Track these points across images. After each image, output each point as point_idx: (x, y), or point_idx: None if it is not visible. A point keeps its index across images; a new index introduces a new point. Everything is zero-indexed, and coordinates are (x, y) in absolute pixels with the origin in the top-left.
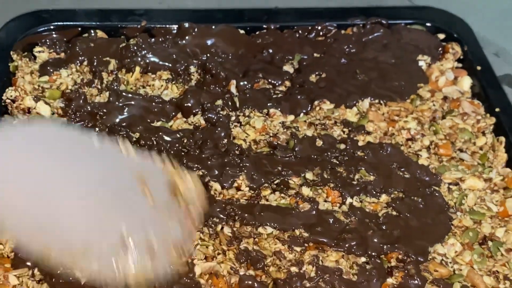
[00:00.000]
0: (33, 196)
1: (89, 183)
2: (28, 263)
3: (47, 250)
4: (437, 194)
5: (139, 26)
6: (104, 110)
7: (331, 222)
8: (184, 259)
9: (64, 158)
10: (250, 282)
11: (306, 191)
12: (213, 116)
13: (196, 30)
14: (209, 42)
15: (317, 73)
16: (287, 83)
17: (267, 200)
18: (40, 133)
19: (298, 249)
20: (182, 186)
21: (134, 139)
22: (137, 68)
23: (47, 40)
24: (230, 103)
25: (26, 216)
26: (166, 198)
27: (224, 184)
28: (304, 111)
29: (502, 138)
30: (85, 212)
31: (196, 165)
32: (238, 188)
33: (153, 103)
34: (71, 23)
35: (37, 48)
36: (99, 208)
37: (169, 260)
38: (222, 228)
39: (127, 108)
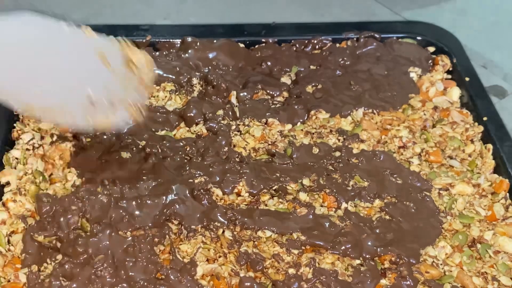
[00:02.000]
0: (22, 66)
1: (61, 58)
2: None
3: (30, 106)
4: (428, 199)
5: (144, 41)
6: None
7: (327, 226)
8: (139, 113)
9: (42, 39)
10: (249, 284)
11: (303, 196)
12: (215, 125)
13: (198, 44)
14: (210, 55)
15: (313, 84)
16: (285, 94)
17: (266, 205)
18: (24, 22)
19: (296, 252)
20: (134, 58)
21: (140, 146)
22: None
23: None
24: (230, 113)
25: (17, 79)
26: (122, 68)
27: (225, 190)
28: (301, 120)
29: (490, 146)
30: (58, 78)
31: (198, 172)
32: (238, 194)
33: (158, 113)
34: None
35: None
36: (70, 76)
37: (128, 112)
38: (223, 232)
39: None
